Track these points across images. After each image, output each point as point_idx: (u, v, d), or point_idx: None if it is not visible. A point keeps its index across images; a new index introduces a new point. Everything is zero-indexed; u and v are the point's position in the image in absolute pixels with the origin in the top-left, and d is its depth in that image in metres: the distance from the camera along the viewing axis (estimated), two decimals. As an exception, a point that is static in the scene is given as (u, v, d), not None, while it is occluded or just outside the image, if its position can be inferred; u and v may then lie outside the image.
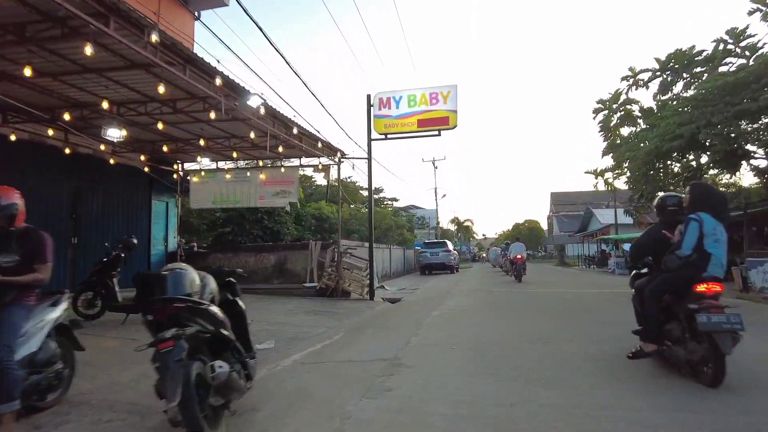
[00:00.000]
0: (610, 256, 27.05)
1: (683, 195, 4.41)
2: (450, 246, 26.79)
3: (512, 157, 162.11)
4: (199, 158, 11.99)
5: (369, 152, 12.06)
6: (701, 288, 3.83)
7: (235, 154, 12.18)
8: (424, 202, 71.51)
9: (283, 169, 12.21)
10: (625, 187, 18.27)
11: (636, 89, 17.50)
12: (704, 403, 3.31)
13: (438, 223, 45.94)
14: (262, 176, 12.53)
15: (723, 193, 3.89)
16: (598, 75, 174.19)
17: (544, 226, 77.55)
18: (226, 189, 12.96)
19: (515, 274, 17.03)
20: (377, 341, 6.37)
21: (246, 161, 13.08)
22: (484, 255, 47.80)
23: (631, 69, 17.54)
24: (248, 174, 12.60)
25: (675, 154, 13.06)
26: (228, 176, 12.92)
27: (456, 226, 72.88)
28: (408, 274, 26.34)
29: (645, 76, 17.16)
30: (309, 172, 17.59)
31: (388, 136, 12.13)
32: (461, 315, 8.57)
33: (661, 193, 5.47)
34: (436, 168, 43.46)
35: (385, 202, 58.96)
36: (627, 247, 26.53)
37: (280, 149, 10.69)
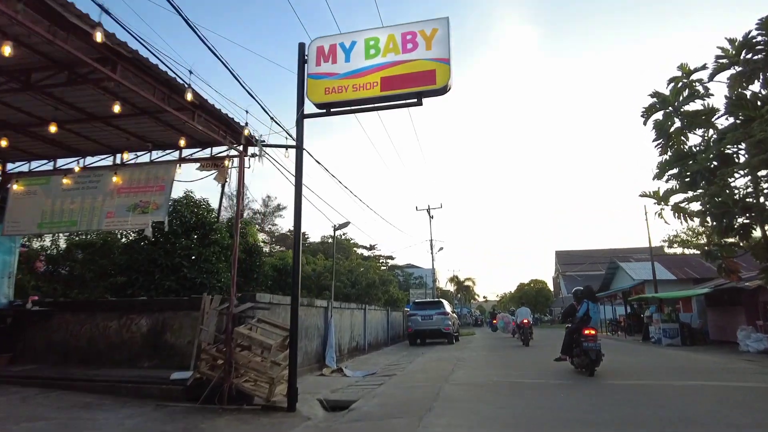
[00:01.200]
0: (651, 321, 21.07)
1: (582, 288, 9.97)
2: (447, 307, 20.91)
3: (514, 213, 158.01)
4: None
5: (299, 136, 6.81)
6: (586, 332, 8.60)
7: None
8: (422, 261, 66.20)
9: (124, 155, 6.87)
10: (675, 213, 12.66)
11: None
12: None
13: (435, 280, 40.08)
14: (116, 179, 7.21)
15: (593, 291, 9.57)
16: (605, 115, 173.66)
17: (550, 286, 71.57)
18: (60, 203, 7.60)
19: (522, 338, 17.73)
20: None
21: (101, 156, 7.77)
22: (496, 319, 41.70)
23: (682, 67, 12.80)
24: (89, 176, 7.27)
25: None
26: (66, 181, 7.60)
27: (455, 286, 66.88)
28: (393, 344, 20.26)
29: (704, 75, 12.37)
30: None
31: (332, 108, 6.95)
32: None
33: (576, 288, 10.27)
34: (431, 217, 38.31)
35: (380, 260, 53.46)
36: (652, 310, 20.48)
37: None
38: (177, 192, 14.82)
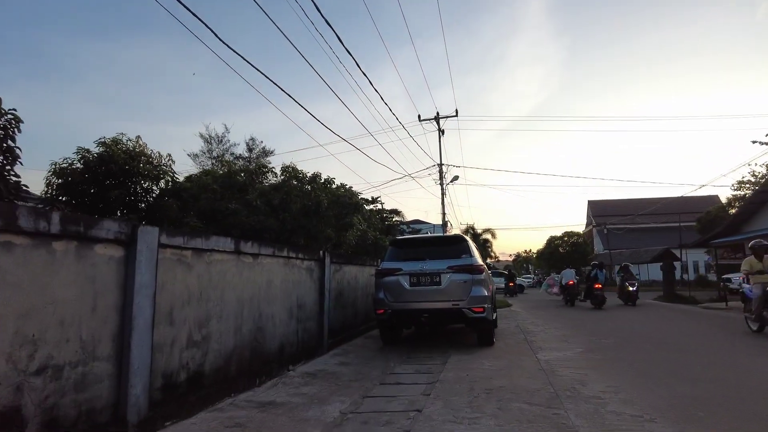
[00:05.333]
0: None
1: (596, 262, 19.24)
2: (474, 253, 8.47)
3: (537, 157, 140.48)
4: None
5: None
6: (596, 285, 16.53)
7: None
8: (431, 217, 53.75)
9: None
10: None
11: None
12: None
13: (447, 223, 27.78)
14: None
15: (602, 263, 18.28)
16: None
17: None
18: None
19: (568, 299, 18.33)
20: None
21: None
22: (513, 282, 29.34)
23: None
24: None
25: None
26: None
27: (471, 239, 54.37)
28: (344, 342, 8.31)
29: None
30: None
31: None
32: None
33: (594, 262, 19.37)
34: (442, 133, 25.73)
35: (384, 214, 41.20)
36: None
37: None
38: None
